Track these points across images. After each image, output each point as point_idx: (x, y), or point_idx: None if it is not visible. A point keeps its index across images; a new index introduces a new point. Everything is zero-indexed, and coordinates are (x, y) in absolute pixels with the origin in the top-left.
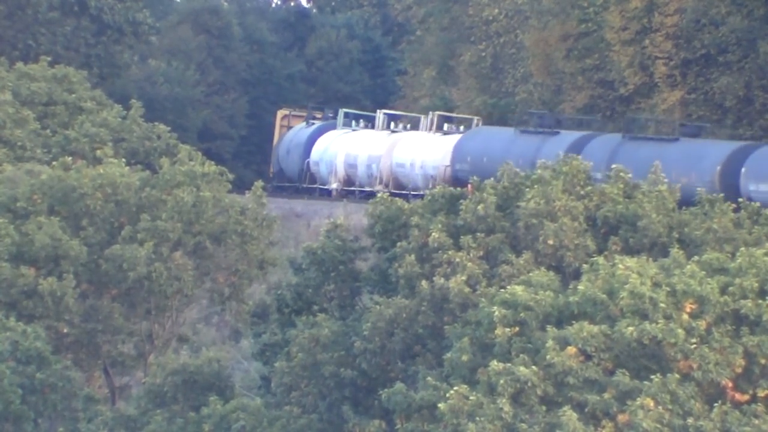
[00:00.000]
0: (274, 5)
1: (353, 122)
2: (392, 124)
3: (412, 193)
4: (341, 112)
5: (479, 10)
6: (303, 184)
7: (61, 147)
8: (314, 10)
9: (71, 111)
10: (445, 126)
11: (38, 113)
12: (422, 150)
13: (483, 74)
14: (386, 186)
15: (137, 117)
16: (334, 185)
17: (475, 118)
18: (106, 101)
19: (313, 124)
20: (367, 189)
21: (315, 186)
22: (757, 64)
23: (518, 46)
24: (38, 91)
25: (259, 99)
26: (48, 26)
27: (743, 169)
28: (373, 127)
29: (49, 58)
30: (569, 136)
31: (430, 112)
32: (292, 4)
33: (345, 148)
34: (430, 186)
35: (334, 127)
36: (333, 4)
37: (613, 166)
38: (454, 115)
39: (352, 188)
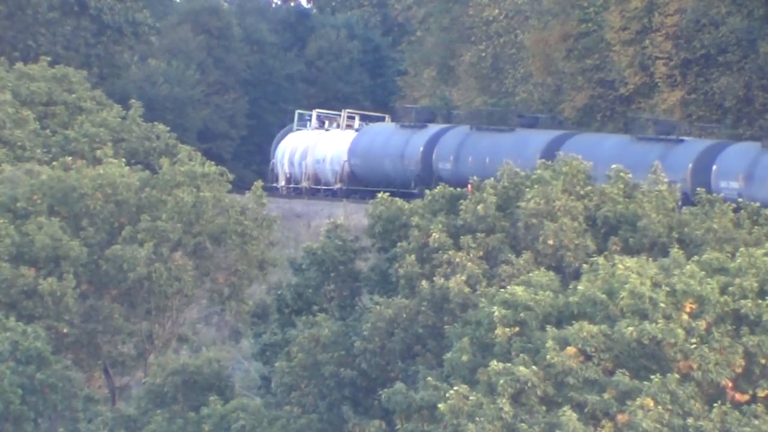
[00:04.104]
0: (274, 5)
1: (307, 123)
2: (326, 123)
3: (324, 187)
4: (296, 113)
5: (479, 10)
6: (269, 183)
7: (61, 147)
8: (314, 11)
9: (71, 111)
10: (356, 124)
11: (38, 113)
12: (332, 147)
13: (483, 74)
14: (308, 181)
15: (137, 117)
16: (282, 183)
17: (386, 116)
18: (106, 101)
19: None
20: (299, 185)
21: (274, 184)
22: (757, 64)
23: (518, 46)
24: (38, 91)
25: (259, 99)
26: (48, 26)
27: (560, 153)
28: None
29: (49, 58)
30: (431, 129)
31: (342, 110)
32: (292, 4)
33: (290, 148)
34: (334, 181)
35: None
36: (333, 4)
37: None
38: (365, 113)
39: (291, 185)
